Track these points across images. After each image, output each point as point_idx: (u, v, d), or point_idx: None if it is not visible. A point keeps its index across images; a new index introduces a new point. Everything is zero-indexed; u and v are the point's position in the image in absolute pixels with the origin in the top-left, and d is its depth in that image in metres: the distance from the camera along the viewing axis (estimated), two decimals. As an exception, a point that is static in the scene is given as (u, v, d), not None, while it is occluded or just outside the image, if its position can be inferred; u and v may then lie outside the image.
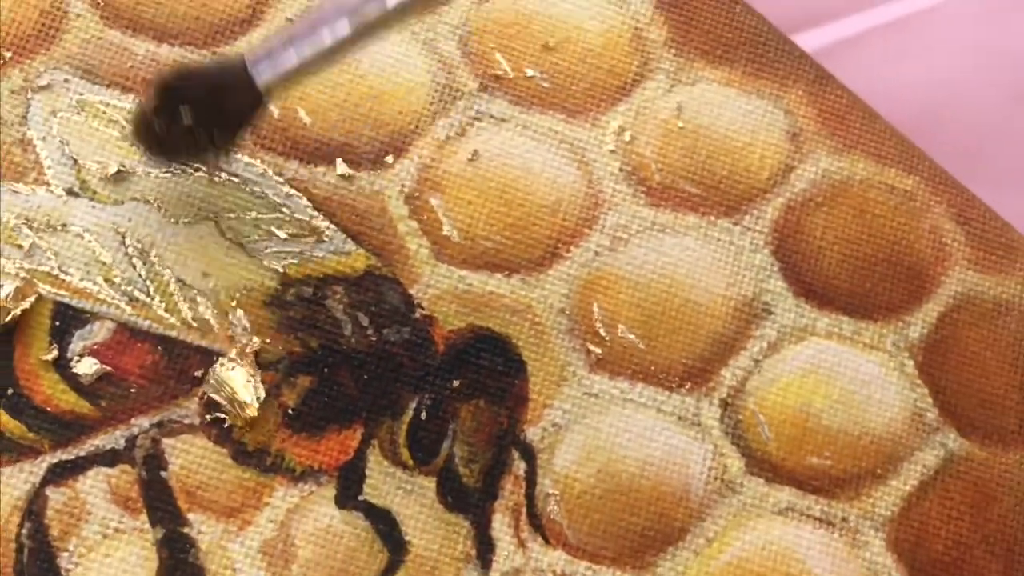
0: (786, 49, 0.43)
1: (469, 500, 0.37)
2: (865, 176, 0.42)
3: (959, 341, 0.41)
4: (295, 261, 0.38)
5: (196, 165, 0.39)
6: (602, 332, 0.39)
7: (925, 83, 0.48)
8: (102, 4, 0.40)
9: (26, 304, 0.36)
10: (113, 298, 0.37)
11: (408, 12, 0.34)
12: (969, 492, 0.39)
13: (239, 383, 0.36)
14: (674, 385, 0.39)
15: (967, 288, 0.41)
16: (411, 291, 0.39)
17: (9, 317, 0.36)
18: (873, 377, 0.40)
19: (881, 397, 0.40)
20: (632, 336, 0.39)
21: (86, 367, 0.36)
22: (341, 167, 0.39)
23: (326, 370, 0.37)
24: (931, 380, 0.40)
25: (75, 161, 0.38)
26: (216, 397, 0.36)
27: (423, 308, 0.39)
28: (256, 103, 0.36)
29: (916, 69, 0.48)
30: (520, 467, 0.38)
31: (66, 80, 0.39)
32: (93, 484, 0.36)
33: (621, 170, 0.41)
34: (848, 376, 0.40)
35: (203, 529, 0.36)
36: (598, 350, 0.39)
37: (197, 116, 0.36)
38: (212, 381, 0.36)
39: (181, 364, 0.37)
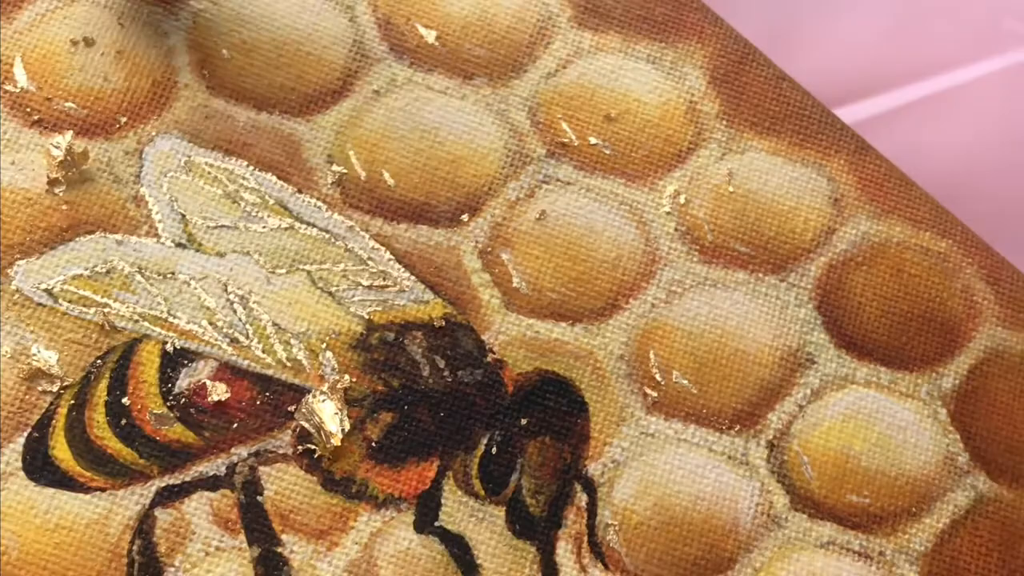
0: (829, 121, 0.45)
1: (535, 528, 0.40)
2: (902, 239, 0.45)
3: (989, 392, 0.43)
4: (379, 308, 0.42)
5: None
6: (658, 377, 0.42)
7: (956, 153, 0.50)
8: (208, 75, 0.43)
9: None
10: (216, 340, 0.40)
11: None
12: (998, 531, 0.42)
13: (327, 415, 0.40)
14: (724, 427, 0.42)
15: (996, 343, 0.44)
16: (484, 337, 0.42)
17: None
18: (909, 423, 0.43)
19: (916, 442, 0.42)
20: (685, 382, 0.42)
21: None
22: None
23: (406, 407, 0.41)
24: (962, 427, 0.43)
25: (183, 216, 0.42)
26: (306, 425, 0.40)
27: (494, 353, 0.42)
28: None
29: (948, 140, 0.50)
30: (582, 499, 0.41)
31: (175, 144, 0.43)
32: (197, 506, 0.39)
33: (676, 230, 0.44)
34: (886, 422, 0.42)
35: (295, 549, 0.39)
36: (654, 393, 0.42)
37: None
38: (304, 410, 0.40)
39: (276, 400, 0.40)
